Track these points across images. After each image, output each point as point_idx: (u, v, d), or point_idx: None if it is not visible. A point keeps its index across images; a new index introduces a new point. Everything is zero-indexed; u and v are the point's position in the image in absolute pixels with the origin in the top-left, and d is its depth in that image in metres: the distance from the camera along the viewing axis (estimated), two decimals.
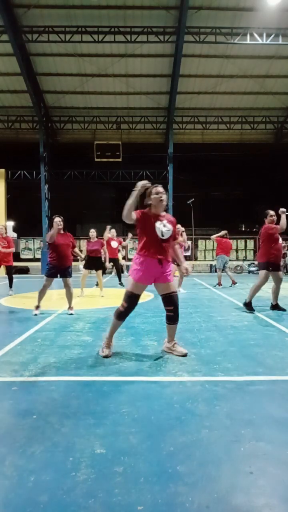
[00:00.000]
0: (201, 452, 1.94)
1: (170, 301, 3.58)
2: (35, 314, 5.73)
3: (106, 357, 3.57)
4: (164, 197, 3.52)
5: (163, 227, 3.49)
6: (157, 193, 3.50)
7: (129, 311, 3.56)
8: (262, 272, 5.91)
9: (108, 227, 9.82)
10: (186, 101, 17.32)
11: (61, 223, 5.74)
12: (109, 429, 2.19)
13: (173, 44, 14.24)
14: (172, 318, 3.63)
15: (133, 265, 3.58)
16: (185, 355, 3.57)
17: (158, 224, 3.48)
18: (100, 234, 8.64)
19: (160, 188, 3.57)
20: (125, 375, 3.09)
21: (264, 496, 1.62)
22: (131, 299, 3.52)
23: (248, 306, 5.98)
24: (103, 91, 16.96)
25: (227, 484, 1.69)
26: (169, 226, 3.53)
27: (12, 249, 8.50)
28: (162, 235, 3.48)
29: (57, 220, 5.72)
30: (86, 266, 8.19)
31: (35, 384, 2.89)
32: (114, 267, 10.51)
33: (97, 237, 8.23)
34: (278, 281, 5.94)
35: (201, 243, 20.20)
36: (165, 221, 3.53)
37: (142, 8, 13.38)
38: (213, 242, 13.44)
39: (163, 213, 3.62)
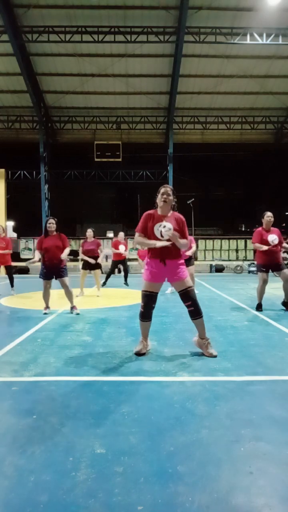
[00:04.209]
0: (201, 452, 1.94)
1: (186, 296, 3.62)
2: (45, 313, 5.86)
3: (137, 353, 3.61)
4: (167, 198, 3.57)
5: (162, 227, 3.52)
6: (162, 194, 3.59)
7: (147, 309, 3.65)
8: (258, 274, 6.14)
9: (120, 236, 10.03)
10: (186, 101, 17.32)
11: (53, 225, 5.87)
12: (109, 429, 2.18)
13: (173, 44, 14.24)
14: (193, 312, 3.64)
15: (144, 265, 3.77)
16: (213, 357, 3.54)
17: (157, 226, 3.55)
18: (97, 234, 8.62)
19: (164, 189, 3.62)
20: (125, 375, 3.09)
21: (264, 496, 1.62)
22: (145, 297, 3.64)
23: (257, 307, 6.15)
24: (103, 91, 16.97)
25: (227, 484, 1.69)
26: (169, 226, 3.52)
27: (9, 251, 8.61)
28: (161, 236, 3.52)
29: (49, 222, 5.91)
30: (83, 267, 8.22)
31: (35, 384, 2.89)
32: (122, 268, 10.69)
33: (94, 237, 8.20)
34: (284, 280, 5.98)
35: (201, 243, 20.16)
36: (165, 222, 3.55)
37: (142, 8, 13.39)
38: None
39: (170, 213, 3.65)
